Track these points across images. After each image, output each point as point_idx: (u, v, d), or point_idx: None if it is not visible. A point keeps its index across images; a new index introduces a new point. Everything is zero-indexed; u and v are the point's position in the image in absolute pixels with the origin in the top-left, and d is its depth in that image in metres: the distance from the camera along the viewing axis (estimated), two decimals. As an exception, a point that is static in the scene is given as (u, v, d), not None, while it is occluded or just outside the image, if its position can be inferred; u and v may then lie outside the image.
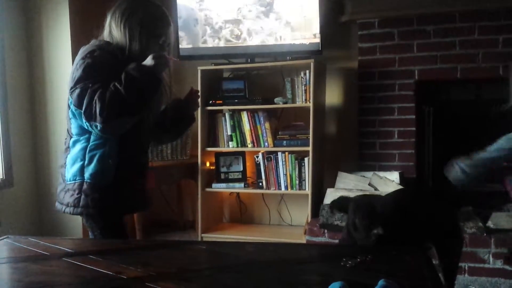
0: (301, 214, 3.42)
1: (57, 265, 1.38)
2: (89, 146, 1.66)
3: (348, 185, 3.06)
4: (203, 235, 3.35)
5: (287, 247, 1.60)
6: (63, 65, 3.24)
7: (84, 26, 3.21)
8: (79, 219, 2.18)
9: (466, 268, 2.60)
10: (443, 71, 3.07)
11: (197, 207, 3.38)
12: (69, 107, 1.65)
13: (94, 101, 1.52)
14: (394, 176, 2.99)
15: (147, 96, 1.62)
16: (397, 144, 3.20)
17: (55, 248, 1.51)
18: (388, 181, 2.93)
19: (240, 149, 3.37)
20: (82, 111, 1.54)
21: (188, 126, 1.98)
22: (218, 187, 3.41)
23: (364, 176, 3.08)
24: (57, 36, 3.27)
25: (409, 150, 3.16)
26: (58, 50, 3.27)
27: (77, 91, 1.56)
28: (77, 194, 1.66)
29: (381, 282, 0.83)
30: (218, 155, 3.43)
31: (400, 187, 2.88)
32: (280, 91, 3.41)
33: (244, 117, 3.32)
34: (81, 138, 1.67)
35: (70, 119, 1.69)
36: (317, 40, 3.15)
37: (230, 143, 3.36)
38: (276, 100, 3.28)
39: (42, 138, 3.38)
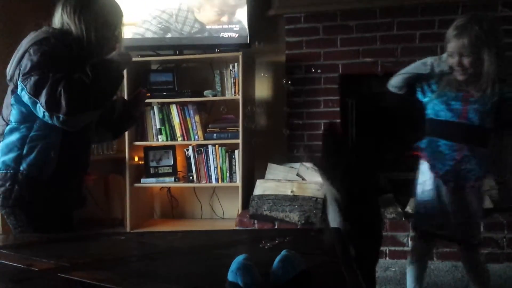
0: (233, 207, 3.43)
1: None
2: (30, 135, 1.58)
3: (278, 176, 3.12)
4: (134, 231, 3.27)
5: (209, 234, 1.60)
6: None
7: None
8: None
9: (387, 251, 2.74)
10: (365, 65, 3.21)
11: (126, 203, 3.30)
12: (13, 93, 1.57)
13: (58, 92, 1.45)
14: (321, 166, 3.07)
15: (112, 91, 1.63)
16: (324, 136, 3.29)
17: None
18: (315, 171, 3.01)
19: (169, 142, 3.33)
20: (43, 101, 1.46)
21: (130, 126, 1.98)
22: (148, 182, 3.35)
23: (292, 167, 3.16)
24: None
25: (335, 141, 3.27)
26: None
27: (34, 78, 1.48)
28: (9, 185, 1.57)
29: (283, 252, 0.86)
30: (147, 149, 3.37)
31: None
32: (210, 84, 3.41)
33: (174, 110, 3.28)
34: (21, 126, 1.59)
35: (11, 105, 1.59)
36: (245, 33, 3.18)
37: (159, 136, 3.30)
38: (205, 93, 3.28)
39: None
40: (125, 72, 1.78)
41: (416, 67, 2.00)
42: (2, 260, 1.25)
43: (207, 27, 3.22)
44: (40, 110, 1.49)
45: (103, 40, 1.64)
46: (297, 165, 3.15)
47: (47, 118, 1.49)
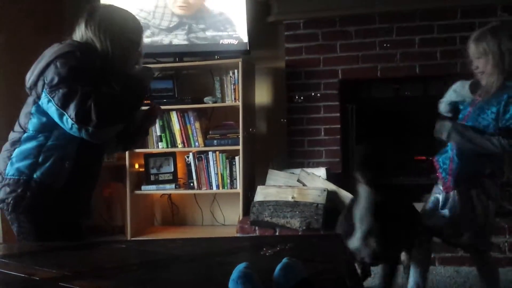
0: (234, 213, 3.43)
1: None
2: (47, 144, 1.60)
3: (278, 182, 3.12)
4: (133, 239, 3.26)
5: (210, 241, 1.60)
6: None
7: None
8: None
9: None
10: (364, 70, 3.21)
11: (126, 211, 3.29)
12: (34, 103, 1.60)
13: (88, 105, 1.48)
14: (321, 172, 3.08)
15: (137, 105, 1.68)
16: (324, 141, 3.30)
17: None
18: (315, 177, 3.01)
19: (170, 149, 3.33)
20: (72, 114, 1.49)
21: (141, 139, 2.01)
22: (148, 189, 3.34)
23: (293, 173, 3.15)
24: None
25: (335, 146, 3.28)
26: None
27: (62, 91, 1.51)
28: (21, 191, 1.58)
29: (284, 260, 0.86)
30: (147, 156, 3.37)
31: (327, 182, 2.97)
32: (210, 91, 3.41)
33: (174, 117, 3.28)
34: (39, 135, 1.61)
35: (31, 114, 1.62)
36: (245, 40, 3.19)
37: (159, 143, 3.30)
38: (205, 99, 3.28)
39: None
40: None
41: (449, 94, 2.12)
42: (3, 269, 1.25)
43: (207, 33, 3.23)
44: (68, 122, 1.51)
45: (127, 56, 1.69)
46: (298, 171, 3.14)
47: (74, 130, 1.52)
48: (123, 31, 1.68)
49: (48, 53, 1.59)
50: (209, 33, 3.24)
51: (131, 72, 1.67)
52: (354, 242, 1.76)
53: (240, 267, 0.84)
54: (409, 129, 3.42)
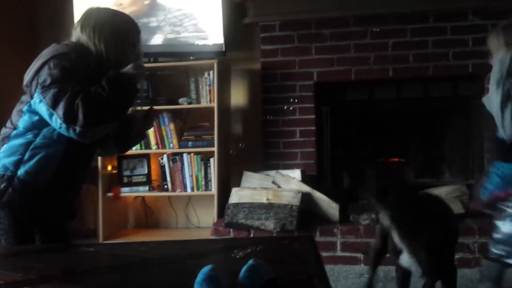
0: (209, 215, 3.40)
1: None
2: (34, 143, 1.60)
3: (253, 184, 3.11)
4: (105, 242, 3.21)
5: (181, 244, 1.58)
6: None
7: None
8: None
9: (361, 258, 2.76)
10: (339, 73, 3.24)
11: (99, 214, 3.24)
12: (28, 101, 1.60)
13: (76, 104, 1.48)
14: (296, 173, 3.09)
15: (128, 104, 1.66)
16: (299, 143, 3.31)
17: None
18: (290, 179, 3.02)
19: (144, 151, 3.29)
20: (60, 113, 1.49)
21: (138, 143, 1.97)
22: (121, 192, 3.29)
23: (268, 175, 3.15)
24: None
25: (310, 148, 3.29)
26: None
27: (53, 91, 1.51)
28: (4, 187, 1.57)
29: (250, 262, 0.85)
30: (120, 158, 3.32)
31: (301, 184, 2.98)
32: (185, 92, 3.38)
33: (148, 118, 3.24)
34: (28, 133, 1.61)
35: (23, 112, 1.61)
36: (221, 41, 3.18)
37: (133, 145, 3.25)
38: (180, 100, 3.26)
39: None
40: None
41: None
42: (-34, 273, 1.20)
43: (182, 35, 3.21)
44: (57, 122, 1.52)
45: (123, 58, 1.68)
46: (272, 172, 3.15)
47: (63, 129, 1.53)
48: (118, 34, 1.68)
49: (45, 53, 1.60)
50: (184, 34, 3.22)
51: (122, 71, 1.65)
52: (405, 259, 1.77)
53: (205, 269, 0.83)
54: (383, 131, 3.47)
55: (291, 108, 3.30)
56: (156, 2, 3.23)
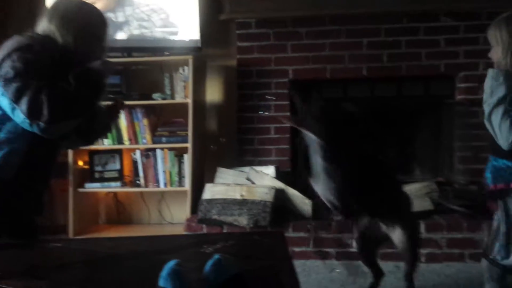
0: (182, 211, 3.37)
1: None
2: None
3: (227, 180, 3.11)
4: (73, 238, 3.15)
5: (152, 239, 1.57)
6: None
7: None
8: None
9: (334, 253, 2.79)
10: (314, 71, 3.26)
11: (69, 209, 3.18)
12: None
13: (40, 99, 1.44)
14: (270, 170, 3.10)
15: (94, 101, 1.63)
16: (274, 140, 3.33)
17: None
18: (264, 175, 3.03)
19: (116, 146, 3.24)
20: (24, 108, 1.45)
21: (104, 135, 1.92)
22: (92, 187, 3.24)
23: (242, 171, 3.15)
24: None
25: (285, 145, 3.31)
26: None
27: (16, 85, 1.46)
28: None
29: (215, 256, 0.85)
30: (92, 153, 3.27)
31: (275, 180, 2.99)
32: (160, 87, 3.35)
33: (121, 113, 3.19)
34: None
35: None
36: (197, 37, 3.16)
37: (105, 140, 3.21)
38: (154, 96, 3.22)
39: None
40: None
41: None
42: None
43: (158, 29, 3.18)
44: (20, 116, 1.48)
45: (90, 51, 1.66)
46: (247, 169, 3.15)
47: (26, 125, 1.49)
48: (87, 25, 1.65)
49: (7, 45, 1.55)
50: (160, 29, 3.18)
51: (89, 66, 1.62)
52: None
53: (171, 264, 0.83)
54: (357, 129, 3.50)
55: (274, 98, 3.29)
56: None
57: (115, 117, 1.92)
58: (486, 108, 1.80)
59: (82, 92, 1.54)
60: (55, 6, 1.66)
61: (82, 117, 1.61)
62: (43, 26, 1.64)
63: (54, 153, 1.77)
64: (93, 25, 1.68)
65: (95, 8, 1.74)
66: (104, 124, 1.87)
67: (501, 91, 1.76)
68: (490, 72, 1.83)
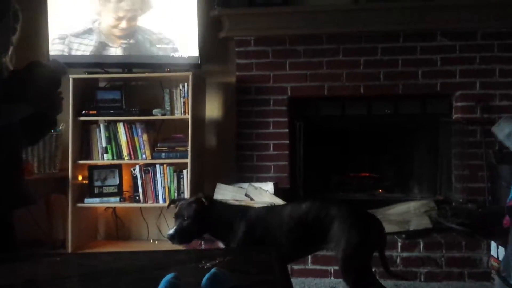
0: (181, 227, 3.38)
1: None
2: None
3: (226, 196, 3.11)
4: (71, 252, 3.15)
5: (149, 254, 1.57)
6: None
7: None
8: None
9: (332, 271, 2.79)
10: (312, 89, 3.30)
11: (68, 224, 3.18)
12: None
13: None
14: (269, 186, 3.11)
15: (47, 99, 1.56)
16: (273, 156, 3.35)
17: None
18: (263, 192, 3.04)
19: (116, 161, 3.26)
20: None
21: (49, 131, 1.86)
22: (91, 202, 3.25)
23: (241, 187, 3.16)
24: None
25: (283, 162, 3.33)
26: None
27: None
28: None
29: (212, 270, 0.86)
30: (91, 168, 3.28)
31: (274, 197, 3.00)
32: (159, 103, 3.38)
33: (121, 128, 3.23)
34: None
35: None
36: (196, 54, 3.21)
37: (105, 155, 3.23)
38: (154, 111, 3.25)
39: None
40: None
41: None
42: None
43: (158, 46, 3.23)
44: None
45: None
46: (245, 185, 3.16)
47: None
48: None
49: None
50: (160, 46, 3.23)
51: (42, 63, 1.56)
52: None
53: (168, 277, 0.84)
54: (354, 146, 3.54)
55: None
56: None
57: (58, 111, 1.73)
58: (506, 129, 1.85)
59: (33, 89, 1.49)
60: None
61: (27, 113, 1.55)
62: None
63: (15, 142, 1.66)
64: None
65: None
66: (47, 120, 1.76)
67: None
68: None
